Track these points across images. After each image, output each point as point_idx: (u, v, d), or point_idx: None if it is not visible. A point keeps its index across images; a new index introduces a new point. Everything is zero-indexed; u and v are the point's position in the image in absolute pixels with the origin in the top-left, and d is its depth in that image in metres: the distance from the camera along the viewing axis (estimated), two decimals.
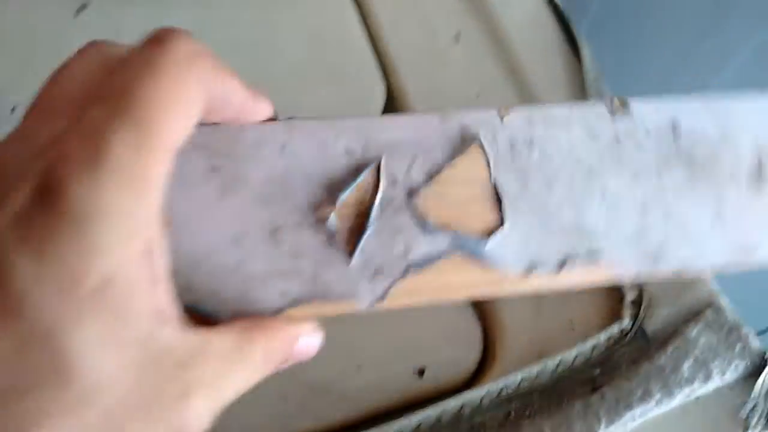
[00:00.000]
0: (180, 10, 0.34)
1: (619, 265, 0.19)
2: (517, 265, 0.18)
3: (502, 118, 0.19)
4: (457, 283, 0.18)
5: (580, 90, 0.33)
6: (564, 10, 0.35)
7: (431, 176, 0.18)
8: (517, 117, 0.19)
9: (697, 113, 0.20)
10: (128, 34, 0.15)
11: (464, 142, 0.19)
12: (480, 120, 0.19)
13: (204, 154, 0.17)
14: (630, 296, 0.28)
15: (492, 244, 0.18)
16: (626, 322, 0.28)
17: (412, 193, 0.18)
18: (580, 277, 0.19)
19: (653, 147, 0.20)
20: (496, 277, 0.18)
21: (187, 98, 0.13)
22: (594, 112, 0.20)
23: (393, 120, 0.19)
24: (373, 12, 0.35)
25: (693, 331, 0.27)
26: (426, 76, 0.33)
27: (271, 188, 0.17)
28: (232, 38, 0.33)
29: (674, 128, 0.20)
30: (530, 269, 0.18)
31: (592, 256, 0.19)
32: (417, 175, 0.18)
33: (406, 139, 0.19)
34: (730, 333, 0.28)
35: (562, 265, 0.19)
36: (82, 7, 0.32)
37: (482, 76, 0.33)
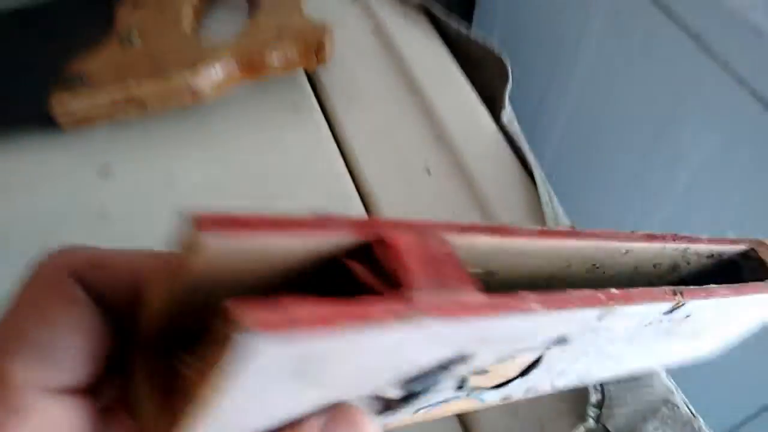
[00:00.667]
0: (188, 161, 0.39)
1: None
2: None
3: (598, 318, 0.18)
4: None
5: (537, 211, 0.38)
6: (518, 143, 0.41)
7: (501, 360, 0.18)
8: (604, 311, 0.18)
9: (699, 307, 0.21)
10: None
11: (558, 340, 0.18)
12: (579, 318, 0.18)
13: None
14: (593, 398, 0.32)
15: (495, 391, 0.20)
16: (591, 422, 0.31)
17: (480, 372, 0.18)
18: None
19: (662, 327, 0.21)
20: (478, 405, 0.20)
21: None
22: (656, 309, 0.19)
23: (507, 319, 0.17)
24: (354, 156, 0.40)
25: (650, 427, 0.30)
26: (402, 205, 0.38)
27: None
28: (232, 180, 0.38)
29: (686, 316, 0.21)
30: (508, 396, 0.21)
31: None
32: (491, 359, 0.17)
33: (507, 334, 0.16)
34: (685, 427, 0.31)
35: (528, 391, 0.21)
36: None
37: (452, 204, 0.38)
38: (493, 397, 0.20)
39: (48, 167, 0.38)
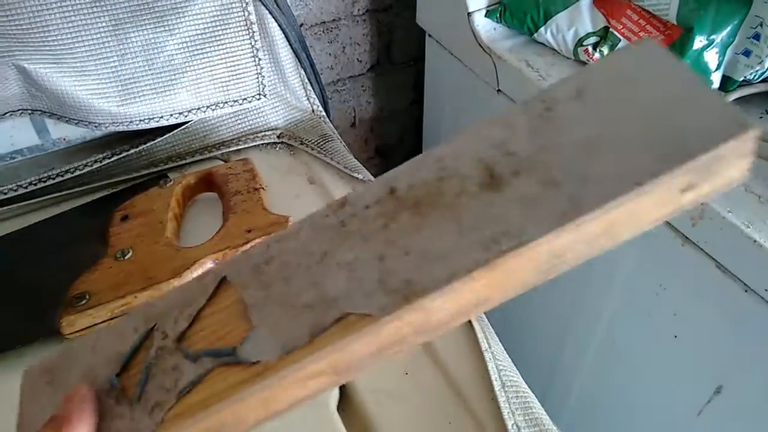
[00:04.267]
0: None
1: (369, 310, 0.21)
2: (273, 352, 0.21)
3: (247, 255, 0.24)
4: (224, 387, 0.21)
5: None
6: None
7: (193, 320, 0.23)
8: (257, 247, 0.24)
9: (411, 171, 0.23)
10: None
11: (218, 285, 0.23)
12: (228, 263, 0.24)
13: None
14: None
15: (246, 346, 0.21)
16: None
17: (180, 338, 0.23)
18: (335, 336, 0.21)
19: (376, 213, 0.22)
20: (259, 369, 0.21)
21: None
22: (318, 214, 0.23)
23: (165, 295, 0.25)
24: None
25: None
26: None
27: (84, 379, 0.23)
28: None
29: (391, 191, 0.22)
30: (286, 350, 0.21)
31: (339, 319, 0.21)
32: (182, 323, 0.23)
33: (174, 303, 0.24)
34: None
35: (314, 336, 0.21)
36: None
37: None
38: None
39: None
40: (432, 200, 0.22)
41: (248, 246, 0.47)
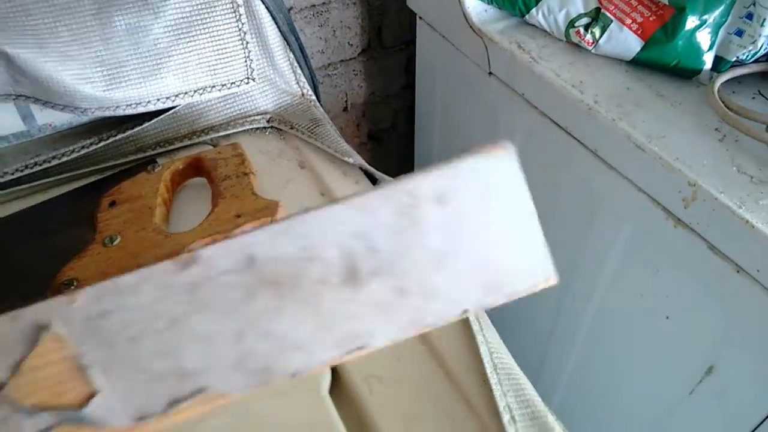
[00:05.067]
0: None
1: (228, 390, 0.20)
2: (125, 417, 0.20)
3: (72, 303, 0.20)
4: None
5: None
6: None
7: (14, 369, 0.20)
8: (86, 298, 0.21)
9: (274, 241, 0.21)
10: None
11: (38, 330, 0.20)
12: (51, 310, 0.21)
13: None
14: None
15: (92, 409, 0.20)
16: None
17: (1, 387, 0.20)
18: (192, 410, 0.20)
19: (234, 282, 0.21)
20: None
21: None
22: (161, 269, 0.21)
23: None
24: None
25: None
26: None
27: None
28: None
29: (250, 261, 0.21)
30: (139, 418, 0.20)
31: (200, 392, 0.20)
32: (2, 372, 0.20)
33: None
34: None
35: (171, 405, 0.20)
36: None
37: None
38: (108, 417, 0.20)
39: None
40: (293, 282, 0.22)
41: (237, 232, 0.46)
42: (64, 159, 0.55)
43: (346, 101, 1.01)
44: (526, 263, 0.23)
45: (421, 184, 0.22)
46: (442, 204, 0.23)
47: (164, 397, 0.20)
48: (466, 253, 0.23)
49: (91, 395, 0.20)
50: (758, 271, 0.47)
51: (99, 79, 0.52)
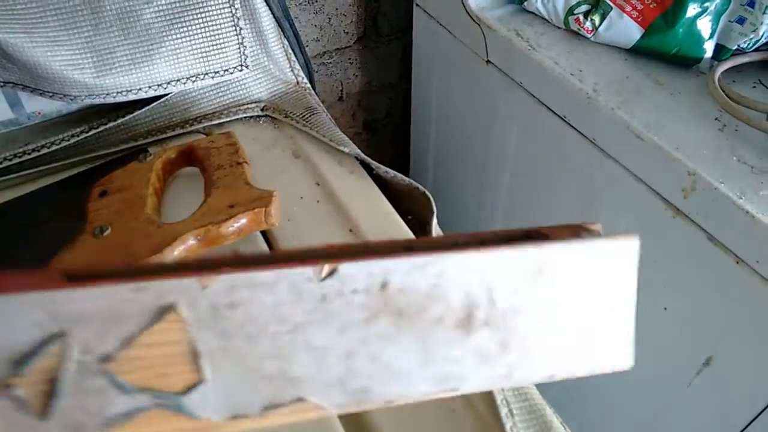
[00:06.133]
0: None
1: (324, 403, 0.21)
2: (221, 413, 0.20)
3: (203, 286, 0.20)
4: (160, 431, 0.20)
5: None
6: None
7: (126, 343, 0.19)
8: (218, 284, 0.20)
9: (411, 273, 0.22)
10: None
11: (162, 309, 0.20)
12: (180, 288, 0.20)
13: None
14: None
15: (193, 398, 0.20)
16: None
17: (105, 358, 0.19)
18: (284, 417, 0.20)
19: (361, 303, 0.21)
20: (201, 425, 0.20)
21: None
22: (300, 272, 0.21)
23: (82, 292, 0.19)
24: None
25: None
26: None
27: None
28: None
29: (383, 286, 0.22)
30: (234, 415, 0.20)
31: (298, 400, 0.20)
32: (111, 343, 0.19)
33: (96, 309, 0.19)
34: None
35: (267, 409, 0.20)
36: None
37: None
38: (205, 410, 0.20)
39: None
40: (414, 316, 0.22)
41: (230, 222, 0.45)
42: (54, 148, 0.54)
43: (341, 90, 1.00)
44: (613, 347, 0.25)
45: (551, 249, 0.24)
46: (562, 276, 0.24)
47: (264, 400, 0.20)
48: (568, 325, 0.24)
49: (195, 384, 0.20)
50: (758, 262, 0.46)
51: (88, 65, 0.51)
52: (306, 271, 0.21)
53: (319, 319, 0.21)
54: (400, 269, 0.22)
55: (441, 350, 0.23)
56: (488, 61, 0.69)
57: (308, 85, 0.62)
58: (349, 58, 0.96)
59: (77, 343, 0.19)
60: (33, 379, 0.18)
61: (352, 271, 0.22)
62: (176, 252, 0.44)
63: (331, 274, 0.21)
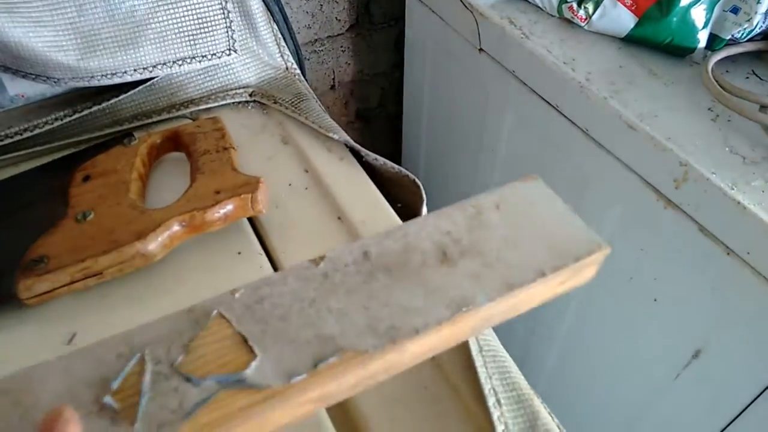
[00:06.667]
0: None
1: (364, 347, 0.25)
2: (278, 378, 0.24)
3: (233, 295, 0.27)
4: (234, 409, 0.23)
5: None
6: None
7: (188, 348, 0.25)
8: (245, 291, 0.27)
9: (381, 242, 0.29)
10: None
11: (208, 318, 0.26)
12: (217, 302, 0.27)
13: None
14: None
15: (250, 373, 0.24)
16: None
17: (174, 363, 0.24)
18: (334, 368, 0.25)
19: (355, 270, 0.28)
20: (266, 393, 0.24)
21: None
22: (300, 266, 0.28)
23: (147, 325, 0.26)
24: None
25: None
26: None
27: (60, 401, 0.23)
28: None
29: (366, 255, 0.28)
30: (290, 377, 0.24)
31: (339, 353, 0.25)
32: (176, 351, 0.25)
33: (162, 332, 0.25)
34: None
35: (316, 365, 0.24)
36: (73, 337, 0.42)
37: None
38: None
39: (14, 343, 0.42)
40: (401, 267, 0.28)
41: (216, 209, 0.45)
42: (37, 131, 0.53)
43: (333, 79, 0.99)
44: (576, 237, 0.31)
45: (481, 199, 0.32)
46: (499, 210, 0.32)
47: (310, 357, 0.25)
48: (528, 236, 0.30)
49: (250, 361, 0.24)
50: (748, 253, 0.46)
51: (72, 47, 0.50)
52: (304, 263, 0.28)
53: (329, 290, 0.27)
54: (372, 242, 0.29)
55: (439, 284, 0.28)
56: (481, 50, 0.68)
57: (298, 71, 0.61)
58: (342, 46, 0.95)
59: (151, 359, 0.24)
60: (123, 394, 0.23)
61: (336, 253, 0.29)
62: (160, 238, 0.43)
63: (322, 258, 0.28)
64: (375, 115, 1.09)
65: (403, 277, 0.28)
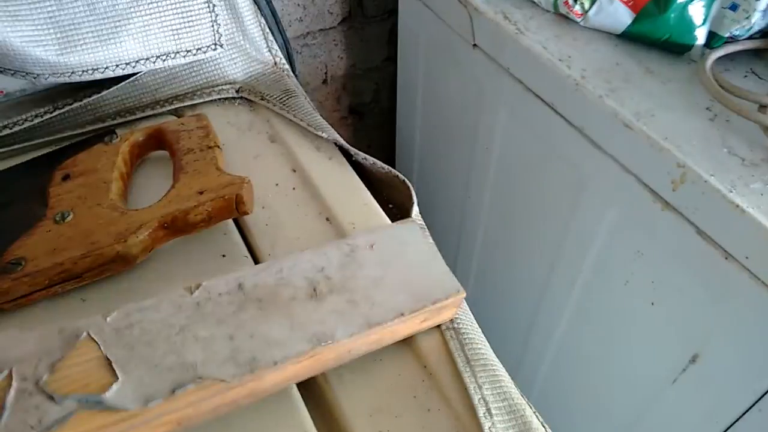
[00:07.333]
0: None
1: (221, 376, 0.27)
2: (136, 401, 0.25)
3: (105, 318, 0.28)
4: (92, 428, 0.25)
5: None
6: None
7: (54, 367, 0.26)
8: (117, 315, 0.29)
9: (257, 274, 0.32)
10: None
11: (77, 339, 0.27)
12: (89, 324, 0.28)
13: None
14: None
15: (110, 395, 0.25)
16: None
17: (39, 381, 0.26)
18: (191, 395, 0.26)
19: (227, 301, 0.30)
20: (123, 415, 0.25)
21: None
22: (176, 294, 0.30)
23: (23, 339, 0.27)
24: None
25: None
26: None
27: None
28: None
29: (240, 286, 0.31)
30: (147, 401, 0.25)
31: (197, 380, 0.26)
32: (43, 369, 0.26)
33: (32, 350, 0.27)
34: None
35: (173, 391, 0.26)
36: None
37: None
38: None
39: None
40: (272, 300, 0.31)
41: (199, 210, 0.43)
42: (16, 128, 0.51)
43: (325, 73, 0.97)
44: (438, 281, 0.35)
45: (357, 238, 0.36)
46: (372, 249, 0.35)
47: (169, 384, 0.26)
48: (394, 277, 0.34)
49: (111, 384, 0.26)
50: (747, 257, 0.45)
51: (52, 41, 0.48)
52: (180, 291, 0.30)
53: (199, 319, 0.29)
54: (249, 274, 0.32)
55: (304, 318, 0.30)
56: (475, 45, 0.67)
57: (287, 66, 0.60)
58: (334, 40, 0.93)
59: (18, 375, 0.25)
60: None
61: (212, 282, 0.31)
62: (140, 241, 0.42)
63: (197, 287, 0.30)
64: (368, 110, 1.07)
65: (273, 310, 0.30)
